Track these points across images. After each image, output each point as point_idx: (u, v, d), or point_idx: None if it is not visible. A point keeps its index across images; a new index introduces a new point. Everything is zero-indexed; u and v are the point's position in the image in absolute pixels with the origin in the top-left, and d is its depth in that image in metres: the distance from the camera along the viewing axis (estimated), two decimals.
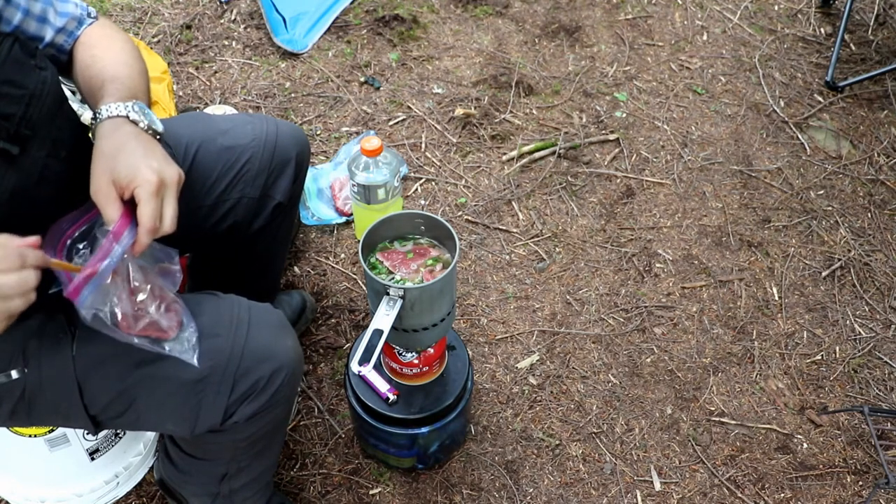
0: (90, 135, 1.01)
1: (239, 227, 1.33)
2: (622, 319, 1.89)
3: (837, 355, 1.86)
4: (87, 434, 1.37)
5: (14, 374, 1.03)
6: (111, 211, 0.93)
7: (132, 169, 0.93)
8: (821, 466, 1.67)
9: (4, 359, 1.03)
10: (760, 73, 2.52)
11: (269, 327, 1.12)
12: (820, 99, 2.46)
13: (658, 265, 2.00)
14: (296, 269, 1.95)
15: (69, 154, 1.02)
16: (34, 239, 0.87)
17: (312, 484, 1.59)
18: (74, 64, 1.11)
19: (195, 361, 1.01)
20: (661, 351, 1.84)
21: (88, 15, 1.13)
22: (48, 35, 1.08)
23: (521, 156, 2.22)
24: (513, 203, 2.11)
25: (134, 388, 1.06)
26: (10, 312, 0.84)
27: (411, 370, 1.43)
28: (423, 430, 1.44)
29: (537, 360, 1.80)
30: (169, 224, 0.95)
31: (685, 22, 2.69)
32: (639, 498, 1.61)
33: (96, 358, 1.05)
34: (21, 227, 0.91)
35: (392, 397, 1.43)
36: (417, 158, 2.19)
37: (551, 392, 1.75)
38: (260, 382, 1.08)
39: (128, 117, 0.99)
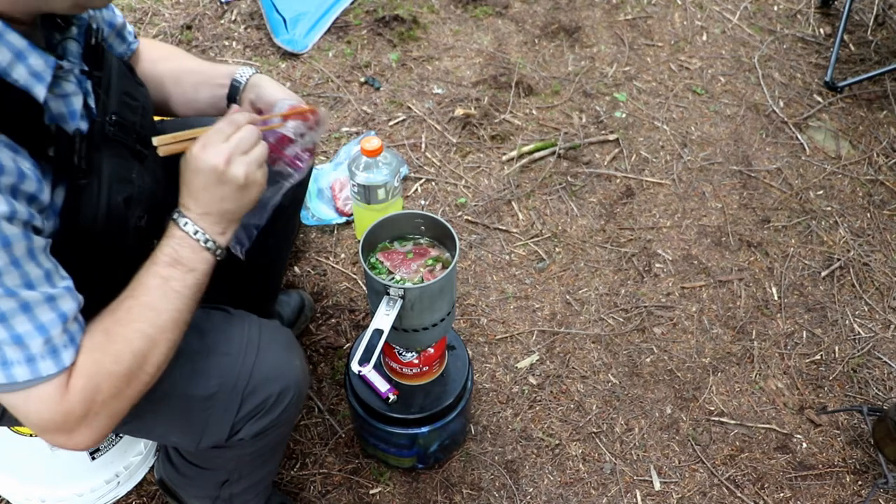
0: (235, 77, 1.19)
1: None
2: (622, 319, 1.89)
3: (837, 355, 1.86)
4: None
5: None
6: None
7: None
8: (820, 466, 1.67)
9: None
10: (760, 74, 2.52)
11: (278, 347, 1.12)
12: (819, 99, 2.46)
13: (658, 265, 2.01)
14: (296, 269, 1.95)
15: (161, 158, 1.07)
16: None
17: (312, 483, 1.59)
18: (143, 60, 1.21)
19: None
20: (660, 351, 1.84)
21: (135, 36, 1.23)
22: (120, 49, 1.17)
23: (520, 156, 2.22)
24: (513, 203, 2.11)
25: (142, 400, 1.06)
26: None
27: (411, 370, 1.43)
28: (423, 429, 1.45)
29: (537, 360, 1.80)
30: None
31: (685, 22, 2.70)
32: (638, 497, 1.61)
33: None
34: (151, 229, 0.99)
35: (392, 397, 1.43)
36: (417, 158, 2.19)
37: (551, 392, 1.75)
38: (268, 401, 1.08)
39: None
